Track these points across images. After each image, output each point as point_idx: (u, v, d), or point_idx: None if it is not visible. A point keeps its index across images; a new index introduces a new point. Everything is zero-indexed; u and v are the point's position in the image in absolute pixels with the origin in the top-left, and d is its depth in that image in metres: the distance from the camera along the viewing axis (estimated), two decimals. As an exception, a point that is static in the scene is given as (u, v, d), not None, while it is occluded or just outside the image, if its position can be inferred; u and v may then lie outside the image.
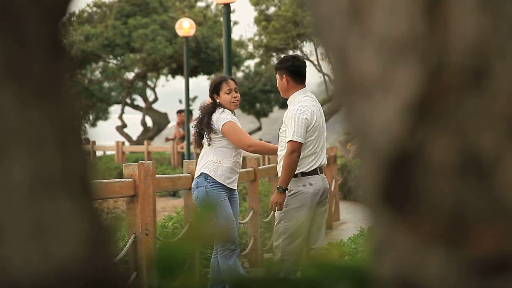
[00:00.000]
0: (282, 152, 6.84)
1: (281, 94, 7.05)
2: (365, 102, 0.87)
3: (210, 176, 7.00)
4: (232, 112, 7.24)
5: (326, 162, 6.93)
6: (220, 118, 7.03)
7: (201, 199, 7.00)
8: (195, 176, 7.16)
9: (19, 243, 0.86)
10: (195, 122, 7.32)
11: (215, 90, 7.17)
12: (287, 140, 6.66)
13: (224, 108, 7.12)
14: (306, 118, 6.70)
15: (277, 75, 6.96)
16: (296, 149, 6.64)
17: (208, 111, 7.10)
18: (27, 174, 0.87)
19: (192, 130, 7.32)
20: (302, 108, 6.72)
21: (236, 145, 7.03)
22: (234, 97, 7.16)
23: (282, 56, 7.31)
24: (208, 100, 7.34)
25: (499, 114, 0.82)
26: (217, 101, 7.15)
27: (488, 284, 0.81)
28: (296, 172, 6.75)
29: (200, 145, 7.20)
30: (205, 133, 7.06)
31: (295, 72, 6.89)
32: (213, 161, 7.02)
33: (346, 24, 0.87)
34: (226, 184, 7.01)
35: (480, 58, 0.82)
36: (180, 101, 35.61)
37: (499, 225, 0.81)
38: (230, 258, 6.92)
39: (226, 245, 6.87)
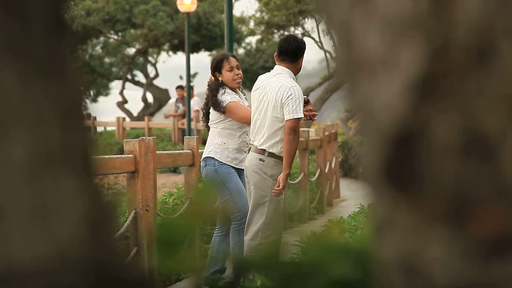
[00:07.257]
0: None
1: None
2: (369, 80, 0.86)
3: (216, 159, 6.96)
4: (239, 89, 7.20)
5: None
6: (222, 100, 6.96)
7: (211, 177, 6.93)
8: (203, 156, 7.11)
9: (20, 223, 0.86)
10: (203, 104, 7.27)
11: (216, 68, 7.11)
12: None
13: (227, 86, 7.07)
14: None
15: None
16: None
17: (213, 90, 7.05)
18: (28, 151, 0.86)
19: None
20: None
21: (240, 122, 6.96)
22: (236, 75, 7.10)
23: (297, 38, 7.15)
24: (210, 77, 7.29)
25: (503, 94, 0.81)
26: (220, 79, 7.09)
27: (491, 265, 0.81)
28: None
29: (208, 127, 7.14)
30: (211, 113, 7.01)
31: None
32: (218, 144, 6.96)
33: (350, 1, 0.86)
34: (234, 165, 6.93)
35: (485, 37, 0.81)
36: (181, 77, 35.54)
37: (502, 206, 0.81)
38: (243, 234, 6.83)
39: (242, 219, 6.79)
